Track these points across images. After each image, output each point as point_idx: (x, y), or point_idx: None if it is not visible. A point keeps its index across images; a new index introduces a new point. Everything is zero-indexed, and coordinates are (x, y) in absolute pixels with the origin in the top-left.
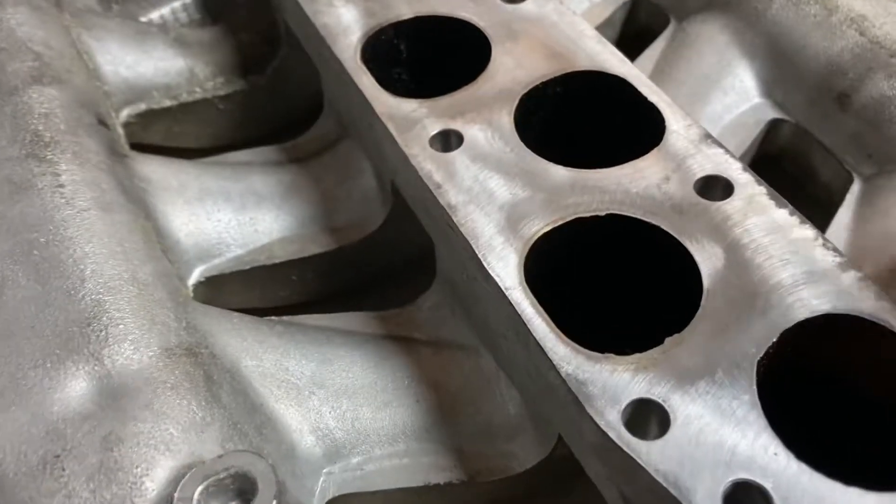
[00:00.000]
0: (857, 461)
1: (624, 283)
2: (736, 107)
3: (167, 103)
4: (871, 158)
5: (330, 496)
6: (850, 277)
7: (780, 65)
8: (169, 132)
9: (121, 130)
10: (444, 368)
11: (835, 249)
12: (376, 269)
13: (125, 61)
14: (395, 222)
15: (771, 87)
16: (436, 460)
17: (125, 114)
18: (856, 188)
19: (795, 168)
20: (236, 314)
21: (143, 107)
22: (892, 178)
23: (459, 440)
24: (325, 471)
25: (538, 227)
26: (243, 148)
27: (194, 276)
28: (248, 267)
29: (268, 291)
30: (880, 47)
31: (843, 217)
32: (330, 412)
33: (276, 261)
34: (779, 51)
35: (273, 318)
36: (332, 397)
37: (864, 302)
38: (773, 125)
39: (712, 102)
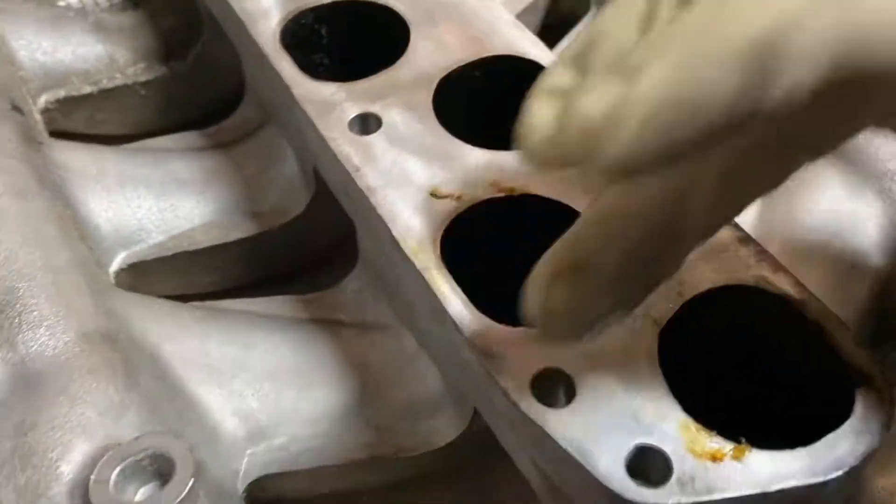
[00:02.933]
0: (756, 427)
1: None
2: None
3: (87, 89)
4: None
5: (254, 476)
6: (748, 251)
7: None
8: (91, 119)
9: (38, 117)
10: (367, 349)
11: (735, 225)
12: (299, 255)
13: (42, 46)
14: (317, 207)
15: None
16: (359, 438)
17: (43, 100)
18: None
19: None
20: (157, 300)
21: (62, 93)
22: None
23: (382, 418)
24: (248, 452)
25: (454, 206)
26: (168, 134)
27: (116, 263)
28: (170, 253)
29: (191, 278)
30: None
31: None
32: (253, 394)
33: (199, 246)
34: None
35: (195, 303)
36: (255, 380)
37: (763, 273)
38: None
39: None
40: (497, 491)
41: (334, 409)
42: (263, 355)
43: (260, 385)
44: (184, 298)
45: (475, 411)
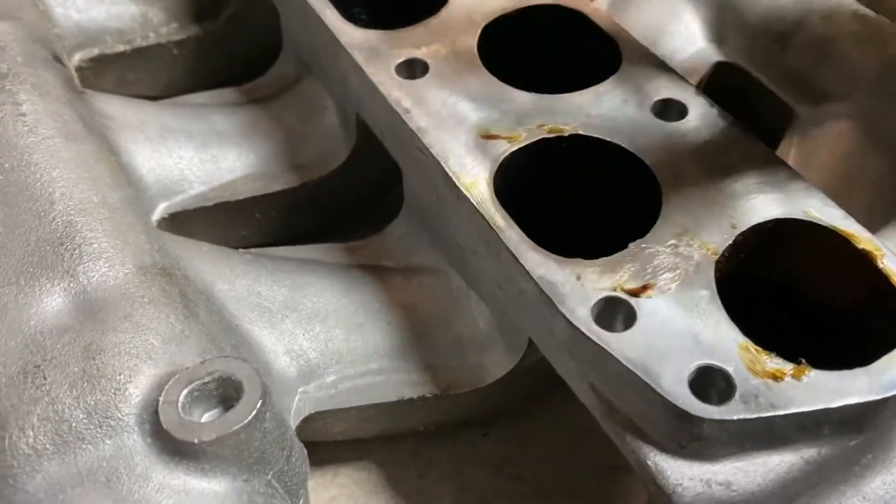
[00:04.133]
0: (806, 349)
1: (588, 198)
2: (683, 50)
3: (120, 48)
4: (808, 95)
5: (305, 413)
6: (799, 186)
7: (724, 10)
8: (123, 79)
9: (74, 72)
10: (415, 292)
11: (783, 162)
12: (340, 206)
13: (76, 4)
14: (358, 158)
15: (715, 31)
16: (408, 376)
17: (77, 58)
18: (797, 124)
19: (739, 107)
20: (205, 243)
21: (95, 51)
22: (830, 113)
23: (431, 356)
24: (300, 390)
25: (505, 147)
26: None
27: (157, 213)
28: (211, 203)
29: (231, 230)
30: None
31: (786, 150)
32: (303, 334)
33: (240, 197)
34: None
35: (241, 249)
36: (305, 320)
37: (814, 207)
38: (718, 67)
39: (660, 47)
40: (535, 438)
41: (383, 349)
42: (312, 297)
43: (310, 325)
44: None
45: (529, 345)
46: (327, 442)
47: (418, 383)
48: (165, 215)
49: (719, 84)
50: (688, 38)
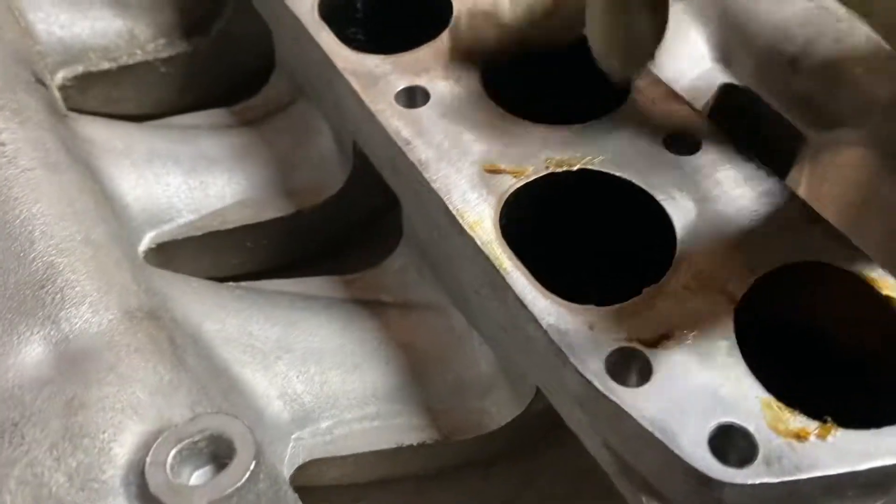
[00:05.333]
0: (829, 404)
1: (598, 237)
2: (689, 71)
3: (106, 66)
4: (820, 119)
5: (300, 462)
6: (817, 229)
7: (732, 30)
8: (108, 97)
9: (57, 93)
10: (414, 329)
11: (801, 201)
12: (334, 235)
13: (59, 20)
14: (354, 185)
15: (722, 53)
16: (408, 421)
17: (60, 76)
18: (807, 149)
19: (747, 131)
20: (193, 278)
21: (79, 69)
22: (842, 138)
23: (431, 399)
24: (293, 436)
25: (511, 182)
26: (187, 113)
27: (144, 243)
28: (200, 233)
29: (221, 259)
30: (827, 12)
31: (797, 176)
32: (297, 376)
33: (230, 226)
34: (730, 17)
35: (231, 283)
36: (299, 361)
37: (833, 251)
38: (725, 89)
39: (665, 68)
40: (538, 478)
41: (381, 391)
42: (307, 336)
43: (304, 367)
44: (215, 280)
45: (536, 392)
46: (319, 486)
47: (418, 428)
48: (153, 245)
49: (726, 106)
50: (694, 59)
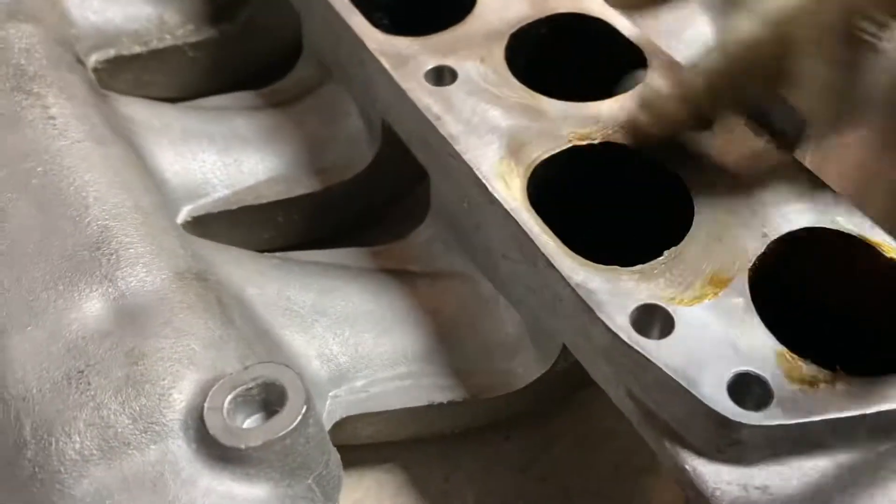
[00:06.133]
0: (839, 356)
1: (620, 204)
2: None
3: (137, 50)
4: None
5: (337, 417)
6: (826, 196)
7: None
8: (138, 81)
9: (91, 75)
10: (441, 296)
11: (809, 171)
12: (362, 211)
13: (93, 5)
14: (382, 162)
15: None
16: (437, 381)
17: (93, 59)
18: (811, 132)
19: (752, 115)
20: (233, 247)
21: (111, 53)
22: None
23: (460, 361)
24: (331, 394)
25: (537, 153)
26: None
27: (182, 216)
28: (234, 207)
29: (253, 233)
30: None
31: (800, 158)
32: (333, 338)
33: (263, 201)
34: (737, 3)
35: (266, 253)
36: (335, 324)
37: (842, 216)
38: None
39: (674, 54)
40: (555, 444)
41: (411, 353)
42: (340, 301)
43: (339, 329)
44: None
45: (561, 351)
46: (353, 445)
47: (447, 388)
48: (189, 218)
49: None
50: (703, 46)
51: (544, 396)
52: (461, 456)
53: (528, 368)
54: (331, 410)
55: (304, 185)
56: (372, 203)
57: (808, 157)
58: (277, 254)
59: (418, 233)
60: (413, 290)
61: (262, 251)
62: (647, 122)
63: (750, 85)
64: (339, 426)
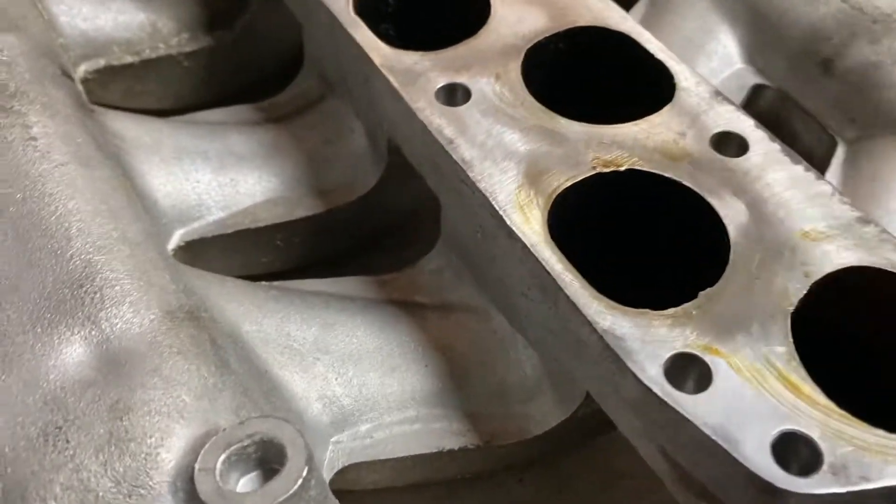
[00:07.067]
0: (887, 408)
1: (649, 238)
2: (719, 72)
3: (128, 59)
4: (854, 123)
5: (339, 466)
6: (870, 231)
7: (763, 30)
8: (130, 91)
9: (80, 86)
10: (453, 331)
11: (851, 204)
12: (365, 234)
13: (82, 12)
14: (388, 183)
15: (753, 53)
16: (448, 425)
17: (83, 69)
18: (840, 153)
19: (778, 133)
20: (228, 278)
21: (101, 62)
22: (877, 143)
23: (472, 404)
24: (333, 440)
25: (558, 182)
26: (209, 109)
27: (174, 241)
28: (230, 231)
29: (251, 257)
30: (862, 13)
31: (830, 181)
32: (336, 378)
33: (261, 224)
34: (761, 16)
35: (265, 283)
36: (338, 363)
37: (888, 254)
38: (756, 90)
39: (695, 67)
40: (572, 483)
41: (420, 394)
42: (344, 337)
43: (343, 368)
44: (244, 278)
45: (586, 396)
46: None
47: (459, 433)
48: (182, 243)
49: (757, 108)
50: (724, 59)
51: (563, 443)
52: (471, 499)
53: (546, 414)
54: (332, 458)
55: (304, 208)
56: (377, 225)
57: (838, 183)
58: (276, 283)
59: (428, 260)
60: (422, 324)
61: (259, 276)
62: None
63: None
64: (340, 474)
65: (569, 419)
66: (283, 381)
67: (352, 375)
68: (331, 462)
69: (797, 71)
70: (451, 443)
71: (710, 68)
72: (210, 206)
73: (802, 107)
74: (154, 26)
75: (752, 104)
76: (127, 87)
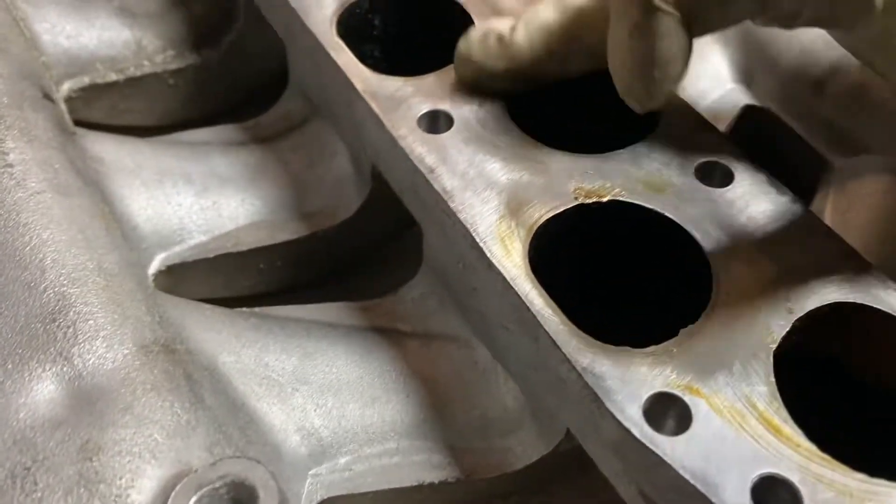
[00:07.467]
0: (871, 450)
1: (631, 272)
2: (710, 92)
3: (113, 77)
4: (846, 145)
5: (317, 499)
6: (855, 264)
7: (754, 51)
8: (115, 109)
9: (63, 106)
10: (435, 362)
11: (838, 237)
12: (348, 257)
13: (65, 30)
14: (372, 207)
15: (744, 74)
16: (429, 458)
17: (66, 88)
18: (831, 174)
19: (768, 154)
20: (207, 306)
21: (86, 80)
22: (869, 164)
23: (454, 436)
24: (311, 472)
25: (540, 213)
26: (194, 127)
27: (154, 265)
28: (212, 255)
29: (232, 281)
30: None
31: (821, 203)
32: (315, 410)
33: (243, 248)
34: (752, 37)
35: (245, 309)
36: (317, 394)
37: (874, 290)
38: (747, 111)
39: (686, 88)
40: None
41: (401, 426)
42: (324, 367)
43: (322, 399)
44: (224, 302)
45: (567, 432)
46: None
47: (439, 466)
48: (163, 268)
49: (748, 129)
50: (715, 79)
51: (545, 476)
52: None
53: (527, 448)
54: (310, 491)
55: (287, 231)
56: (361, 249)
57: (828, 205)
58: (257, 310)
59: (410, 287)
60: (404, 353)
61: (241, 298)
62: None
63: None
64: None
65: (551, 453)
66: (261, 412)
67: (331, 406)
68: (309, 495)
69: (788, 92)
70: (432, 476)
71: (700, 88)
72: (192, 229)
73: (793, 128)
74: (139, 44)
75: (743, 125)
76: (111, 105)
